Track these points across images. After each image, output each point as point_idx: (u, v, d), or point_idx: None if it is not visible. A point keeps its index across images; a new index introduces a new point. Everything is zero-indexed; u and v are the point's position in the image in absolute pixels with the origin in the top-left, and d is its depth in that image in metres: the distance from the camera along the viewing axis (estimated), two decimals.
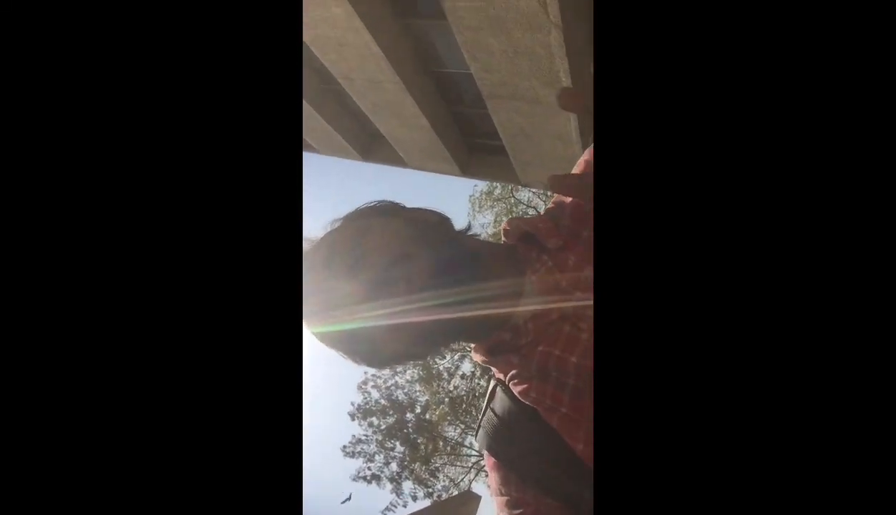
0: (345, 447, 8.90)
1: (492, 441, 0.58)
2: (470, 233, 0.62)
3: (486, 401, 0.60)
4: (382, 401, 9.30)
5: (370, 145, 5.03)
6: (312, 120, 4.50)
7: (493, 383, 0.60)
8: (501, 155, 4.19)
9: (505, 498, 0.57)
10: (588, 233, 0.55)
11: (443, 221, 0.60)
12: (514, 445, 0.56)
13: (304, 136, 4.91)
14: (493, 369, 0.59)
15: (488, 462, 0.58)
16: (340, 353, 0.60)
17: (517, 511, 0.55)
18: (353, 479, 8.75)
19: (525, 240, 0.57)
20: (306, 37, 3.13)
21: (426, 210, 0.63)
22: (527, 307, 0.54)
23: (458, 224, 0.62)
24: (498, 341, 0.56)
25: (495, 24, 2.61)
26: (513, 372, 0.56)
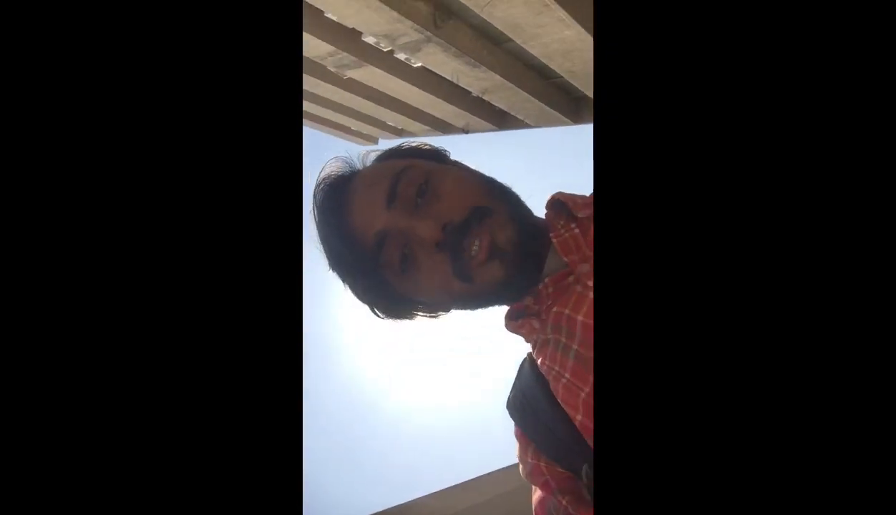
0: None
1: (515, 411, 0.62)
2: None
3: (517, 373, 0.64)
4: None
5: (577, 110, 5.53)
6: (529, 103, 5.15)
7: (525, 356, 0.64)
8: None
9: (522, 466, 0.61)
10: None
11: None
12: (531, 415, 0.58)
13: (519, 116, 5.61)
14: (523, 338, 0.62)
15: (515, 430, 0.63)
16: (355, 287, 0.60)
17: (533, 479, 0.60)
18: None
19: (555, 208, 0.59)
20: (539, 52, 3.79)
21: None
22: (549, 274, 0.56)
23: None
24: (520, 307, 0.59)
25: None
26: (534, 337, 0.60)
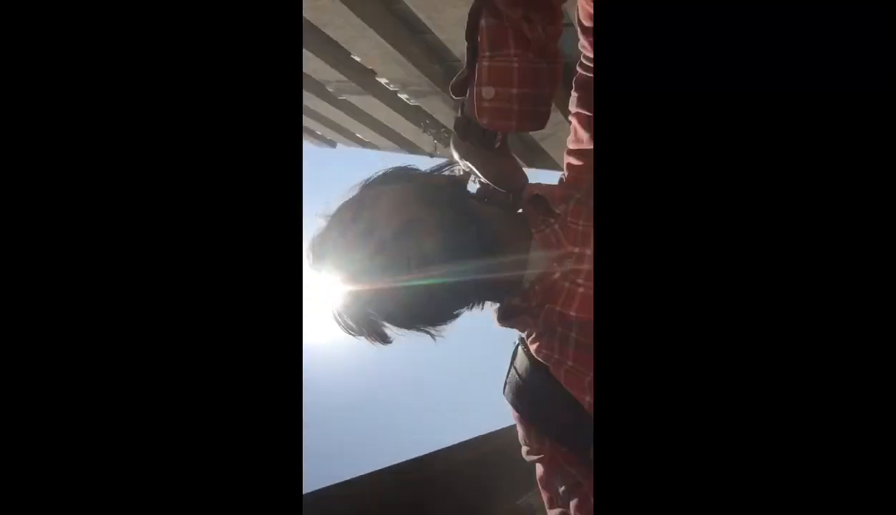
0: None
1: (514, 397, 0.62)
2: (485, 195, 0.61)
3: (510, 361, 0.64)
4: None
5: (532, 158, 6.01)
6: None
7: (516, 343, 0.64)
8: None
9: (526, 448, 0.63)
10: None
11: (454, 183, 0.61)
12: (531, 400, 0.60)
13: None
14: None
15: (514, 416, 0.64)
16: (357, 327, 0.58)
17: (535, 458, 0.62)
18: None
19: (534, 203, 0.58)
20: None
21: (439, 174, 0.63)
22: (532, 270, 0.55)
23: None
24: (509, 306, 0.58)
25: None
26: (528, 331, 0.60)
